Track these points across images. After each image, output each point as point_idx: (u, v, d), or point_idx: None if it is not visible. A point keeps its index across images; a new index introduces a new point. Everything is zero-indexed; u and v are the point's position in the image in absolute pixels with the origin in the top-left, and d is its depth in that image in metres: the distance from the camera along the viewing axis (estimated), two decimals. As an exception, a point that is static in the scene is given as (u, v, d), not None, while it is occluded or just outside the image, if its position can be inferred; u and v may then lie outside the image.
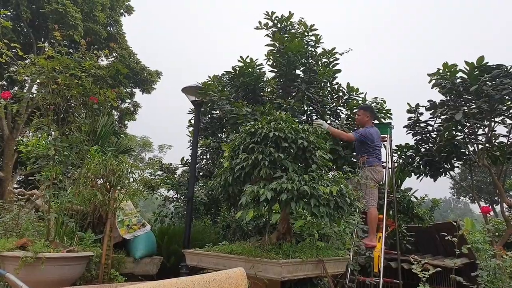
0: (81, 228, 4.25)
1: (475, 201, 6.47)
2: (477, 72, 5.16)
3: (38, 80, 3.78)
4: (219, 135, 7.18)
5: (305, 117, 6.25)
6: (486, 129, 5.37)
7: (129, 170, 4.34)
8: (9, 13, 14.85)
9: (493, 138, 5.52)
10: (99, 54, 4.14)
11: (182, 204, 6.96)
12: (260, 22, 5.95)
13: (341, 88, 6.55)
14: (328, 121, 6.17)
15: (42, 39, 15.91)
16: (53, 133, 3.91)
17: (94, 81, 3.87)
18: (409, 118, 6.10)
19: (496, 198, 20.97)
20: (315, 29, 5.96)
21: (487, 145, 5.43)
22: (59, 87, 3.71)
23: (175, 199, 7.32)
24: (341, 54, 6.23)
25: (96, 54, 3.95)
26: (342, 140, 5.50)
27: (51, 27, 13.93)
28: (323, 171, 3.64)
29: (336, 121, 6.29)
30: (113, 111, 17.26)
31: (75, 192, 4.01)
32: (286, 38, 5.81)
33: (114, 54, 16.89)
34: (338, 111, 6.58)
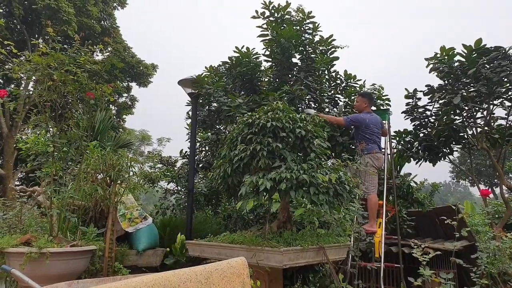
0: (84, 222, 4.28)
1: (475, 184, 6.49)
2: (475, 55, 5.14)
3: (33, 77, 3.78)
4: (217, 127, 7.18)
5: (303, 106, 6.25)
6: (485, 112, 5.37)
7: (129, 164, 4.36)
8: (1, 11, 14.74)
9: (492, 121, 5.52)
10: (94, 49, 4.12)
11: (183, 196, 7.00)
12: (257, 12, 5.91)
13: (338, 76, 6.53)
14: (326, 109, 6.17)
15: (36, 36, 15.82)
16: (51, 129, 3.92)
17: (90, 76, 3.86)
18: (407, 104, 6.09)
19: (495, 180, 21.05)
20: (313, 16, 5.91)
21: (486, 128, 5.43)
22: (55, 84, 3.70)
23: (175, 191, 7.35)
24: (338, 47, 6.19)
25: (90, 49, 3.93)
26: (332, 124, 5.50)
27: (44, 23, 13.83)
28: (322, 160, 3.65)
29: (335, 108, 6.29)
30: (111, 105, 17.21)
31: (76, 187, 4.03)
32: (283, 27, 5.77)
33: (109, 49, 16.80)
34: (336, 98, 6.59)
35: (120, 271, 4.06)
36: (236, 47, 6.01)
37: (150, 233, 4.69)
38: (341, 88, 6.60)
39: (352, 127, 5.52)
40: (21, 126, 14.83)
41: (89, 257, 3.72)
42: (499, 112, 5.50)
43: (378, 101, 6.36)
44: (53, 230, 3.67)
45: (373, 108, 6.24)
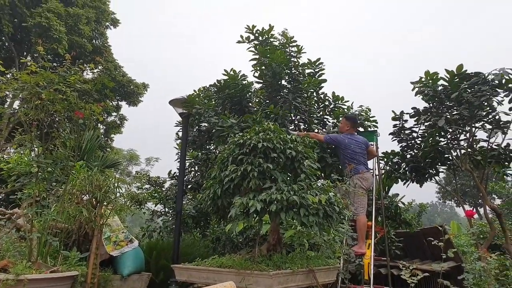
0: (66, 246, 4.13)
1: (460, 205, 6.57)
2: (457, 79, 5.30)
3: (20, 96, 3.72)
4: (207, 147, 7.16)
5: (292, 127, 6.30)
6: (468, 135, 5.49)
7: (116, 184, 4.28)
8: (-11, 28, 14.64)
9: (475, 143, 5.64)
10: (84, 68, 4.10)
11: (170, 218, 6.89)
12: (242, 36, 6.00)
13: (327, 97, 6.63)
14: (316, 130, 6.23)
15: (25, 53, 15.72)
16: (36, 149, 3.83)
17: (79, 95, 3.82)
18: (394, 125, 6.19)
19: (479, 201, 21.31)
20: (295, 41, 6.04)
21: (469, 150, 5.54)
22: (43, 103, 3.64)
23: (163, 213, 7.24)
24: (324, 69, 6.33)
25: (81, 68, 3.91)
26: (312, 138, 5.54)
27: (34, 41, 13.77)
28: (312, 180, 3.65)
29: (323, 129, 6.36)
30: (99, 124, 17.07)
31: (59, 209, 3.92)
32: (268, 50, 5.86)
33: (99, 67, 16.77)
34: (325, 119, 6.66)
35: (103, 298, 3.92)
36: (225, 70, 6.10)
37: (135, 257, 4.57)
38: (329, 110, 6.68)
39: (333, 146, 5.58)
40: (3, 145, 14.54)
41: (70, 283, 3.56)
42: (481, 134, 5.62)
43: (366, 122, 6.45)
44: (32, 255, 3.53)
45: (361, 129, 6.31)
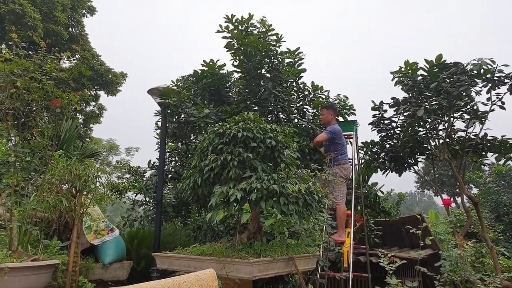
0: (46, 235, 4.10)
1: (438, 194, 6.74)
2: (436, 69, 5.39)
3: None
4: (187, 138, 7.13)
5: (272, 116, 6.31)
6: (446, 125, 5.61)
7: (96, 174, 4.24)
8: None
9: (453, 133, 5.77)
10: (61, 57, 4.01)
11: (151, 208, 6.86)
12: (221, 26, 5.95)
13: (306, 87, 6.66)
14: (295, 120, 6.26)
15: (-1, 41, 15.22)
16: (13, 138, 3.76)
17: (56, 84, 3.75)
18: (374, 115, 6.28)
19: (457, 190, 21.89)
20: (273, 29, 5.99)
21: (447, 139, 5.67)
22: (18, 91, 3.57)
23: (143, 202, 7.20)
24: (303, 58, 6.32)
25: (57, 56, 3.83)
26: (321, 142, 5.53)
27: (8, 28, 13.35)
28: (292, 170, 3.69)
29: (303, 119, 6.39)
30: (78, 114, 16.74)
31: (39, 198, 3.87)
32: (242, 34, 5.80)
33: (77, 56, 16.39)
34: (305, 109, 6.70)
35: (85, 286, 3.91)
36: (204, 61, 6.07)
37: (117, 246, 4.56)
38: (309, 99, 6.72)
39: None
40: (-21, 135, 14.14)
41: (51, 271, 3.55)
42: (459, 124, 5.76)
43: (344, 111, 6.51)
44: (13, 243, 3.49)
45: (341, 119, 6.38)
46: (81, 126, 17.17)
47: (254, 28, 6.02)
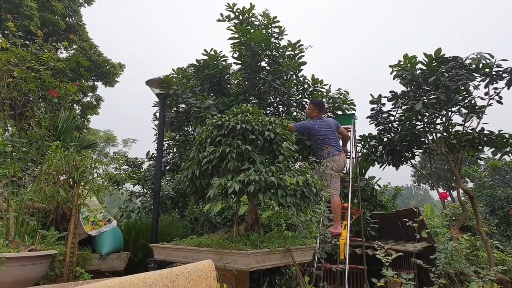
0: (44, 226, 4.11)
1: (434, 188, 6.78)
2: (435, 63, 5.38)
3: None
4: (185, 128, 7.12)
5: (271, 109, 6.30)
6: (444, 119, 5.62)
7: (93, 165, 4.23)
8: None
9: (450, 127, 5.79)
10: (58, 46, 3.98)
11: (148, 199, 6.88)
12: (222, 14, 5.89)
13: (306, 80, 6.63)
14: (294, 113, 6.25)
15: (-5, 30, 15.05)
16: (10, 128, 3.74)
17: (53, 74, 3.73)
18: (372, 109, 6.28)
19: (453, 184, 21.98)
20: (278, 21, 5.93)
21: (444, 133, 5.69)
22: (15, 81, 3.54)
23: (141, 193, 7.21)
24: (306, 48, 6.27)
25: (54, 46, 3.80)
26: (290, 132, 5.53)
27: (4, 17, 13.21)
28: (290, 162, 3.70)
29: (302, 112, 6.38)
30: (75, 105, 16.63)
31: (36, 189, 3.87)
32: (247, 29, 5.77)
33: (74, 46, 16.25)
34: (304, 103, 6.68)
35: (82, 276, 3.92)
36: (205, 50, 6.00)
37: (114, 237, 4.57)
38: (308, 93, 6.70)
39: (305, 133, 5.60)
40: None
41: (49, 262, 3.56)
42: (456, 118, 5.77)
43: (344, 105, 6.51)
44: (10, 234, 3.50)
45: (339, 112, 6.38)
46: (78, 117, 17.08)
47: (255, 19, 5.98)
